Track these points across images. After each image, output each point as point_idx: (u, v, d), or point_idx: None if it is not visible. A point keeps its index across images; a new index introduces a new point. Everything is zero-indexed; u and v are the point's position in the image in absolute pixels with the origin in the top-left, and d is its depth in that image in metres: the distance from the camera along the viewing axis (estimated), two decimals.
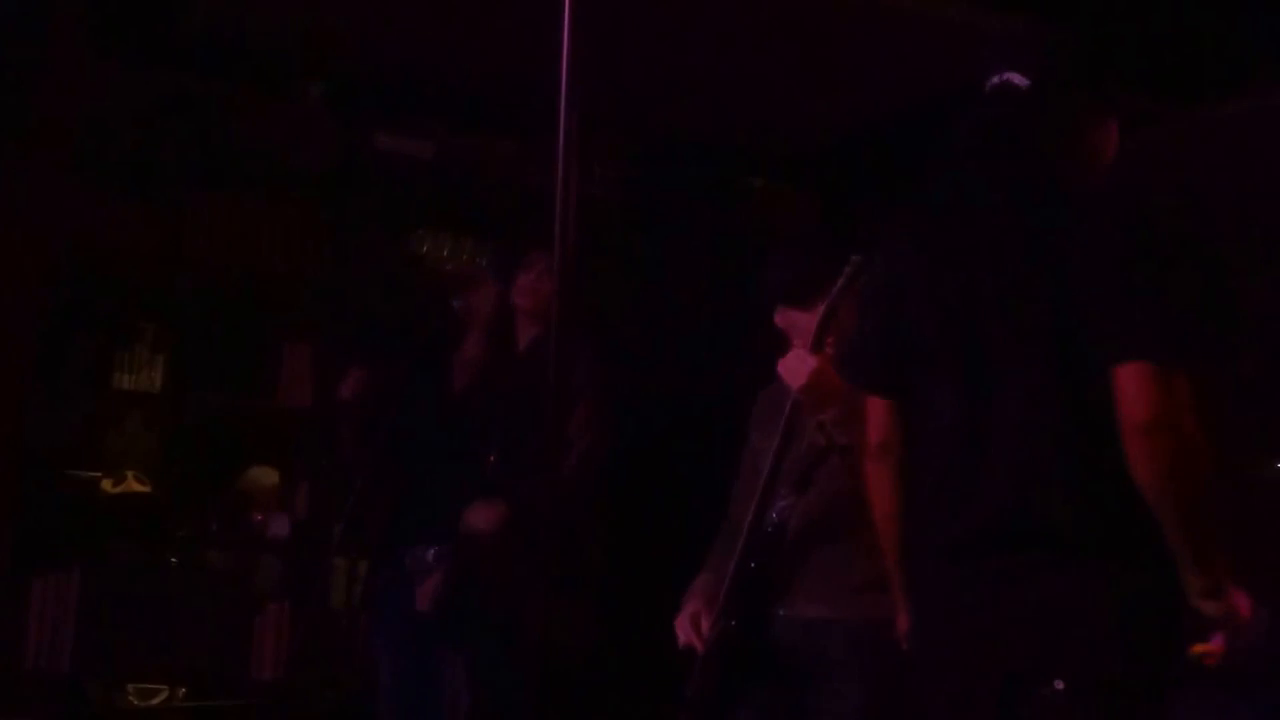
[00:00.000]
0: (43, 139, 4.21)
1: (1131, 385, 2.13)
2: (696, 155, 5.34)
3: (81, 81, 4.33)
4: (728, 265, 5.16)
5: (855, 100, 4.97)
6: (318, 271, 4.81)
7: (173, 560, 4.68)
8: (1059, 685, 2.13)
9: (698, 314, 5.19)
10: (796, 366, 2.97)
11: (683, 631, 3.14)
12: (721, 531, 3.34)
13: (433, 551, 3.95)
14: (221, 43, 4.56)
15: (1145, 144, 5.06)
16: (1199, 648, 2.42)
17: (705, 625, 3.10)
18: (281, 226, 4.81)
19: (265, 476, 4.95)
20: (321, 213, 4.85)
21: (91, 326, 4.66)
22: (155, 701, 4.46)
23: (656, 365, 4.99)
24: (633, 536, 4.60)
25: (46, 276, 4.24)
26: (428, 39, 4.54)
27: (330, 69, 4.77)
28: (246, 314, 4.92)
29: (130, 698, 4.44)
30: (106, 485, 4.69)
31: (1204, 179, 5.05)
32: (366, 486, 4.10)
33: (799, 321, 3.14)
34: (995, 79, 2.52)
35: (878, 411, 2.60)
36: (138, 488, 4.71)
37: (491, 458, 4.03)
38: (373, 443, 4.11)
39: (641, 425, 4.72)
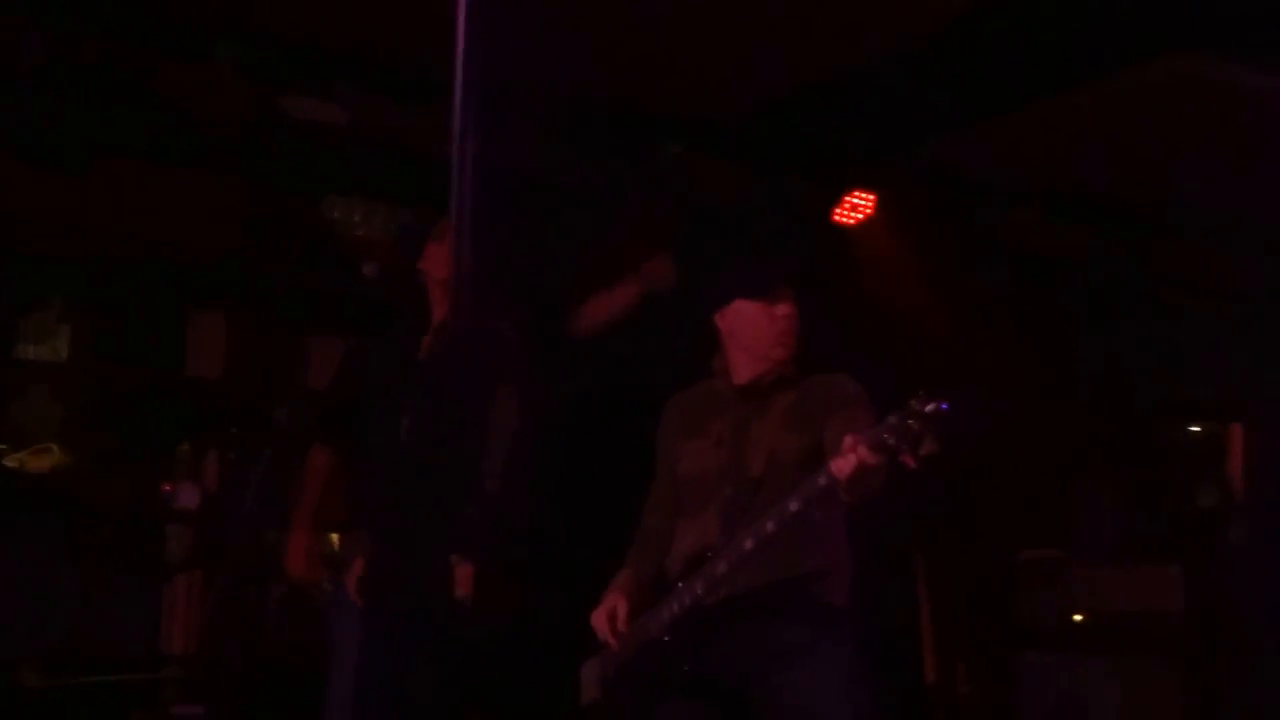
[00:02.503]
0: None
1: None
2: (612, 121, 5.30)
3: None
4: (645, 233, 5.14)
5: (776, 67, 4.95)
6: (227, 239, 4.72)
7: (80, 532, 4.60)
8: None
9: (615, 282, 5.17)
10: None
11: (599, 625, 3.13)
12: (638, 536, 3.31)
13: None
14: (127, 3, 4.46)
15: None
16: None
17: (622, 620, 3.09)
18: (190, 193, 4.73)
19: None
20: (231, 179, 4.77)
21: None
22: (63, 675, 4.39)
23: (575, 341, 4.96)
24: (562, 521, 4.60)
25: None
26: (340, 1, 4.46)
27: (240, 31, 4.67)
28: (154, 282, 4.83)
29: (37, 671, 4.37)
30: (11, 456, 4.60)
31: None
32: (277, 457, 4.06)
33: (746, 312, 3.13)
34: None
35: None
36: (43, 458, 4.62)
37: (405, 425, 3.99)
38: (296, 415, 4.06)
39: (564, 404, 4.71)
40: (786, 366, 3.15)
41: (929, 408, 2.57)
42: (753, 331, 3.15)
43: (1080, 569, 5.62)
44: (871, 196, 5.45)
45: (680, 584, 3.01)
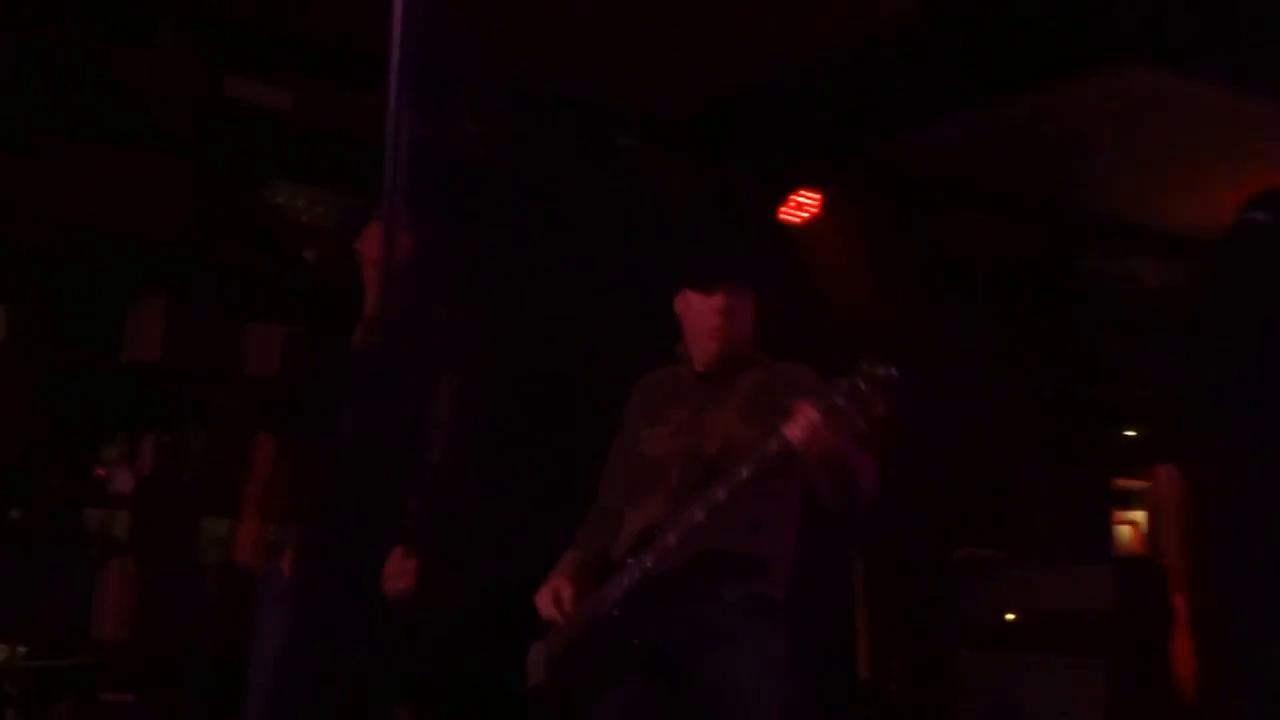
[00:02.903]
0: None
1: None
2: (567, 114, 5.30)
3: None
4: (598, 224, 5.14)
5: (727, 64, 4.97)
6: (169, 223, 4.67)
7: (14, 515, 4.54)
8: None
9: (567, 275, 5.17)
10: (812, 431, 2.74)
11: (544, 606, 3.12)
12: (591, 515, 3.30)
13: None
14: None
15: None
16: None
17: (567, 600, 3.09)
18: (131, 176, 4.66)
19: None
20: (173, 162, 4.71)
21: None
22: None
23: (526, 328, 4.96)
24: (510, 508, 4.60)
25: None
26: None
27: (184, 13, 4.63)
28: (93, 265, 4.77)
29: None
30: None
31: None
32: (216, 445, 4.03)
33: (692, 302, 3.14)
34: None
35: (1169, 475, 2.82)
36: None
37: (346, 415, 3.97)
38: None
39: (509, 391, 4.70)
40: (740, 355, 3.16)
41: (880, 371, 2.64)
42: (695, 321, 3.17)
43: (1014, 568, 5.66)
44: (818, 195, 5.47)
45: (630, 560, 3.01)
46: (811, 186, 5.49)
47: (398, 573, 3.77)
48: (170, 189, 4.68)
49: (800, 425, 2.70)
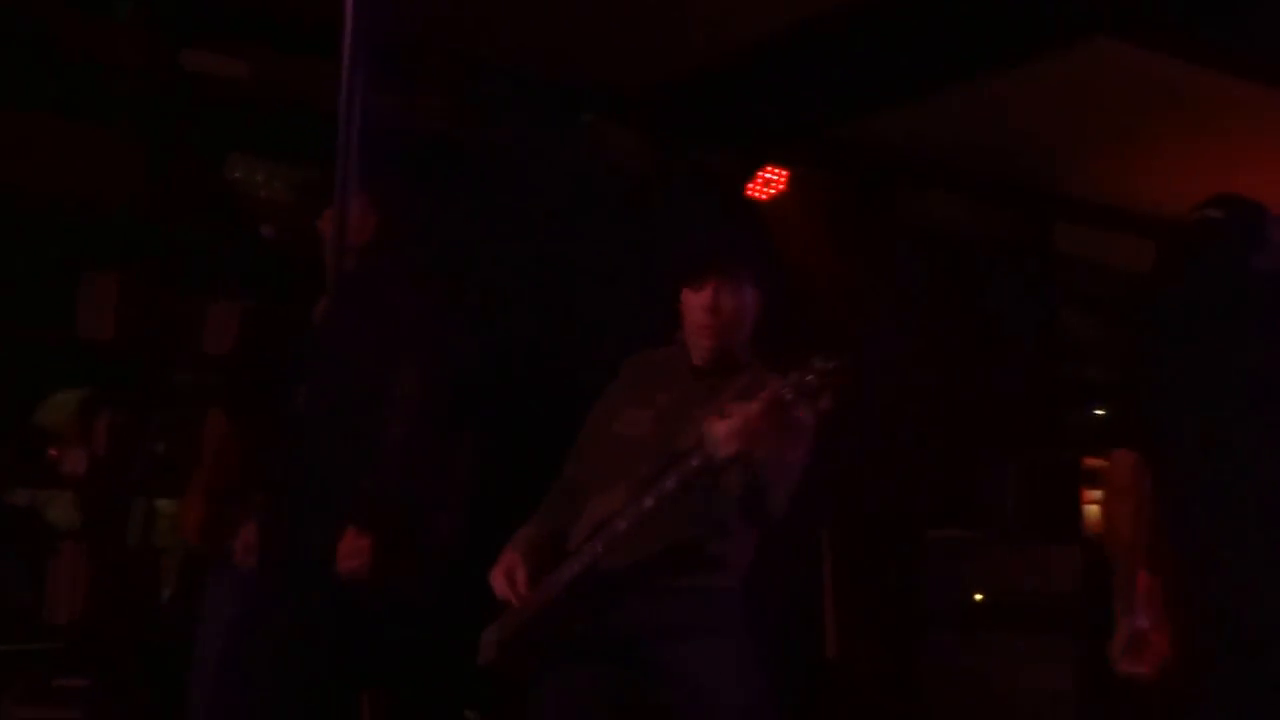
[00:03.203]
0: None
1: None
2: (527, 88, 5.23)
3: None
4: (556, 200, 5.08)
5: (694, 39, 4.91)
6: (124, 197, 4.57)
7: None
8: None
9: (530, 251, 5.11)
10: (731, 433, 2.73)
11: (498, 585, 3.07)
12: (555, 488, 3.25)
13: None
14: None
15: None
16: None
17: (521, 581, 3.04)
18: (86, 148, 4.57)
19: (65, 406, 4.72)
20: (129, 135, 4.61)
21: None
22: None
23: (489, 305, 4.90)
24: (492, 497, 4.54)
25: None
26: None
27: None
28: (46, 239, 4.66)
29: None
30: None
31: None
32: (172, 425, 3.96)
33: (685, 297, 3.08)
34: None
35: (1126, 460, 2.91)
36: None
37: (302, 394, 3.90)
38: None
39: (472, 369, 4.64)
40: (737, 356, 3.10)
41: (829, 365, 2.63)
42: (689, 317, 3.12)
43: (983, 548, 5.67)
44: (784, 172, 5.43)
45: (585, 545, 2.97)
46: (779, 164, 5.45)
47: (351, 553, 3.72)
48: (124, 162, 4.58)
49: (723, 436, 2.70)
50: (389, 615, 3.99)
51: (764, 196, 5.45)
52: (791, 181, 5.43)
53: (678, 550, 2.95)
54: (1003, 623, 5.45)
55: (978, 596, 5.55)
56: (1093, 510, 6.35)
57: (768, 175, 5.44)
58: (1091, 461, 6.32)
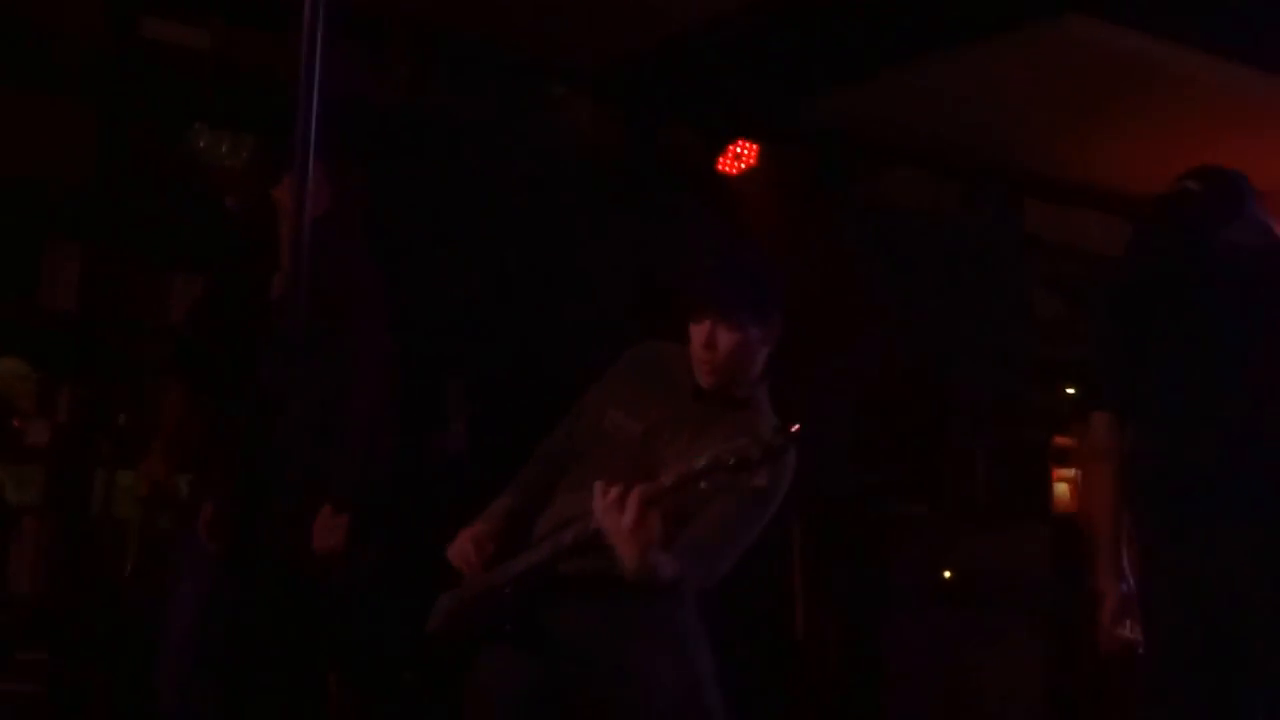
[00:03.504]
0: None
1: None
2: (498, 60, 5.19)
3: None
4: (521, 174, 5.05)
5: (657, 12, 4.88)
6: (82, 168, 4.53)
7: None
8: None
9: (490, 225, 5.07)
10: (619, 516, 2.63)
11: (454, 555, 3.02)
12: (537, 457, 3.16)
13: None
14: None
15: None
16: None
17: (484, 556, 2.99)
18: (44, 119, 4.53)
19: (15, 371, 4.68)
20: (88, 105, 4.57)
21: None
22: None
23: (453, 277, 4.86)
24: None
25: None
26: None
27: None
28: (7, 211, 4.62)
29: None
30: None
31: None
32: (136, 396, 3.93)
33: (690, 327, 2.88)
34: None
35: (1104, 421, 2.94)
36: None
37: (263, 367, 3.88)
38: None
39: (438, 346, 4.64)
40: (738, 392, 2.93)
41: (776, 441, 2.52)
42: (691, 340, 2.94)
43: (951, 526, 5.68)
44: (754, 147, 5.42)
45: (538, 544, 2.92)
46: (748, 139, 5.44)
47: (326, 531, 3.70)
48: (83, 133, 4.54)
49: (600, 508, 2.62)
50: (356, 593, 3.98)
51: (733, 171, 5.44)
52: (761, 156, 5.41)
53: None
54: (971, 600, 5.45)
55: (946, 574, 5.55)
56: (1062, 489, 6.36)
57: (738, 150, 5.42)
58: (1062, 440, 6.34)
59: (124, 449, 4.51)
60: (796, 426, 2.57)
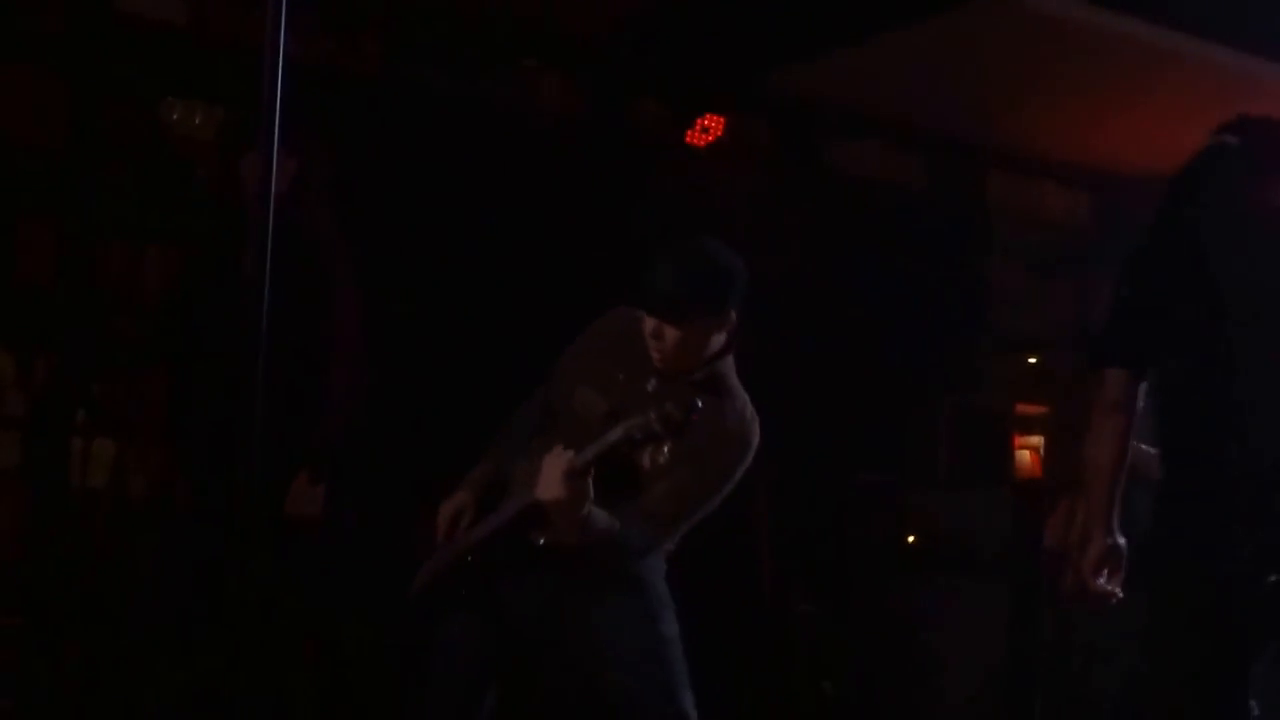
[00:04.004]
0: None
1: None
2: (467, 34, 5.21)
3: None
4: (496, 145, 5.07)
5: None
6: (55, 140, 4.54)
7: None
8: None
9: (464, 195, 5.10)
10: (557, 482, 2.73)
11: (441, 522, 3.07)
12: (517, 421, 3.20)
13: None
14: None
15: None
16: None
17: (464, 522, 3.05)
18: (17, 93, 4.53)
19: None
20: (61, 78, 4.57)
21: None
22: None
23: (422, 249, 4.89)
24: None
25: None
26: None
27: None
28: None
29: None
30: None
31: None
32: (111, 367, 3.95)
33: (669, 336, 2.89)
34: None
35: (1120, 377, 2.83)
36: None
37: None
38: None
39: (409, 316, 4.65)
40: (697, 375, 2.94)
41: (676, 413, 2.61)
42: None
43: (913, 493, 5.72)
44: (721, 120, 5.47)
45: (501, 509, 2.99)
46: (715, 113, 5.49)
47: (305, 499, 3.74)
48: (55, 105, 4.54)
49: (542, 482, 2.73)
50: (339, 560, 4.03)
51: (701, 143, 5.49)
52: (728, 129, 5.46)
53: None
54: (934, 567, 5.50)
55: (910, 539, 5.60)
56: (1023, 456, 6.42)
57: (705, 124, 5.47)
58: (1024, 408, 6.40)
59: (100, 419, 4.54)
60: (698, 404, 2.65)
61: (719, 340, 2.95)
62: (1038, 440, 6.30)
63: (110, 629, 4.26)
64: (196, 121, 4.78)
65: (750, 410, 2.97)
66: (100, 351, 4.62)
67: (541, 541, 2.92)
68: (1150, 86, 5.51)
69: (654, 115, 5.50)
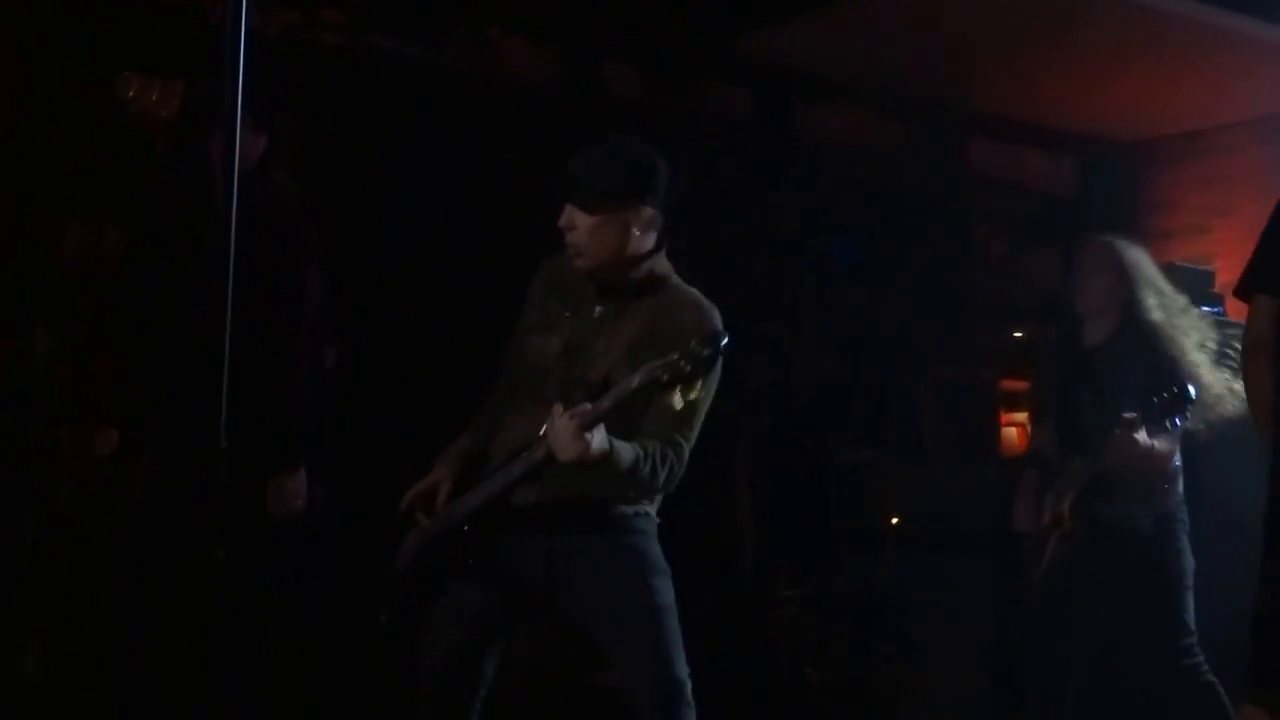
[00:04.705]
0: None
1: None
2: (432, 2, 5.13)
3: None
4: (461, 115, 4.98)
5: None
6: (10, 115, 4.43)
7: None
8: None
9: (432, 166, 5.01)
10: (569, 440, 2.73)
11: (416, 498, 3.06)
12: (489, 399, 3.19)
13: None
14: None
15: None
16: None
17: (443, 498, 3.03)
18: None
19: None
20: (14, 51, 4.46)
21: None
22: None
23: (390, 220, 4.81)
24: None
25: None
26: None
27: None
28: None
29: None
30: None
31: None
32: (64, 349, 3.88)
33: (580, 224, 2.92)
34: None
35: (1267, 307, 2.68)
36: None
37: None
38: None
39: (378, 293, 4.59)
40: (637, 274, 2.97)
41: (704, 351, 2.68)
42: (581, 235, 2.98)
43: (899, 469, 5.70)
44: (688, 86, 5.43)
45: (494, 475, 2.97)
46: (685, 77, 5.43)
47: (291, 494, 3.68)
48: (9, 79, 4.43)
49: (563, 442, 2.73)
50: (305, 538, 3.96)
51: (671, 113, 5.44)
52: (695, 95, 5.41)
53: (577, 494, 2.95)
54: (918, 544, 5.47)
55: (895, 520, 5.57)
56: (1010, 432, 6.37)
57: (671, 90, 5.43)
58: (1009, 383, 6.34)
59: (50, 398, 4.45)
60: (723, 335, 2.73)
61: (643, 239, 2.94)
62: (1023, 417, 6.23)
63: (74, 617, 4.19)
64: (154, 97, 4.67)
65: (706, 300, 3.01)
66: (57, 333, 4.52)
67: (541, 500, 2.93)
68: (1135, 52, 5.45)
69: (624, 80, 5.43)
